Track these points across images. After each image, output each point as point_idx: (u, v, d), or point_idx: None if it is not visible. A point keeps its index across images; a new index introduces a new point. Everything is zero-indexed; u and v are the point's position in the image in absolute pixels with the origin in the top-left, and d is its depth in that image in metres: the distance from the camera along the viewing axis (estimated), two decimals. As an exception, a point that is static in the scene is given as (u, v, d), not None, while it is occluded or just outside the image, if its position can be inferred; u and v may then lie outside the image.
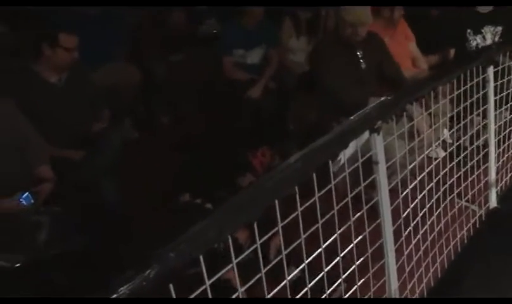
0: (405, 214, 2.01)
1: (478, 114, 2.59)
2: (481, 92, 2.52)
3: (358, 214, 1.67)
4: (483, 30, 3.56)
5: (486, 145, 2.74)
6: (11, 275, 1.81)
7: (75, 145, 2.74)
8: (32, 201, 2.26)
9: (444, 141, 3.12)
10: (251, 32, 3.75)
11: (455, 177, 2.43)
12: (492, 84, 2.56)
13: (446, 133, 3.03)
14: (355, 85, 2.98)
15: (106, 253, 1.97)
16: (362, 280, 1.71)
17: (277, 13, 3.98)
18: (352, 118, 1.55)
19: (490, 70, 2.52)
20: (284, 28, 3.96)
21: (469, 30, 3.58)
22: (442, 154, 2.83)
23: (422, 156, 2.12)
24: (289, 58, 3.94)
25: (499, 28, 3.55)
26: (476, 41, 3.57)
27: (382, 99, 1.74)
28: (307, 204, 1.38)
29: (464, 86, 2.31)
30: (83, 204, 2.30)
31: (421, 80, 2.04)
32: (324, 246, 1.49)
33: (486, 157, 2.72)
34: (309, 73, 3.29)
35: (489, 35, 3.55)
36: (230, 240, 1.06)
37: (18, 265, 1.82)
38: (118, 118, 3.18)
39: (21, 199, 2.24)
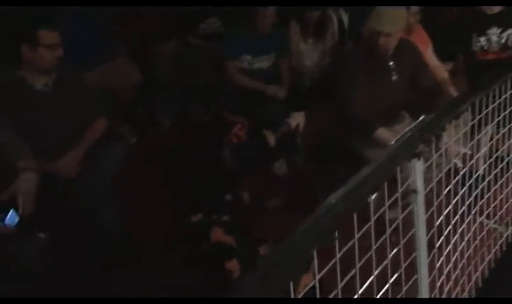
0: (438, 243, 1.81)
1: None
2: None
3: (395, 250, 1.46)
4: (488, 32, 3.33)
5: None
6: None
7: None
8: (18, 219, 1.97)
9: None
10: (261, 38, 3.53)
11: (486, 197, 2.24)
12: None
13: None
14: (383, 99, 2.76)
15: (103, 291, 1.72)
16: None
17: (284, 17, 3.75)
18: (393, 142, 1.34)
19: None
20: (291, 31, 3.74)
21: (473, 33, 3.37)
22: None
23: (457, 178, 1.92)
24: (300, 63, 3.72)
25: (510, 31, 3.30)
26: (480, 43, 3.33)
27: (421, 118, 1.53)
28: (345, 248, 1.17)
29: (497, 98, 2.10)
30: (76, 230, 2.02)
31: (460, 96, 1.82)
32: (360, 292, 1.29)
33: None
34: (325, 82, 3.07)
35: (494, 38, 3.31)
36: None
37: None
38: (115, 125, 2.92)
39: (5, 222, 1.95)
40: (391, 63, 2.92)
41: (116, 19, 3.68)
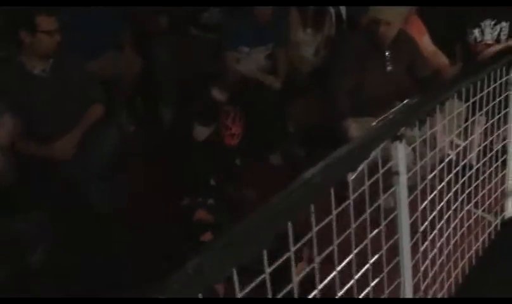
0: (423, 228, 1.85)
1: (499, 119, 2.40)
2: (503, 95, 2.34)
3: (376, 231, 1.50)
4: (482, 24, 3.37)
5: (504, 151, 2.57)
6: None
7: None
8: None
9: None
10: (261, 29, 3.56)
11: (473, 185, 2.27)
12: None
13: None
14: (377, 89, 2.81)
15: (97, 267, 1.78)
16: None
17: (284, 6, 3.78)
18: (373, 124, 1.37)
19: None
20: (291, 20, 3.76)
21: (467, 24, 3.42)
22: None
23: (442, 164, 1.95)
24: (297, 55, 3.75)
25: (504, 24, 3.34)
26: (473, 35, 3.38)
27: (404, 102, 1.56)
28: (323, 223, 1.20)
29: (486, 88, 2.13)
30: (71, 209, 2.08)
31: (445, 82, 1.85)
32: (338, 269, 1.32)
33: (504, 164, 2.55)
34: (319, 71, 3.10)
35: (488, 30, 3.35)
36: (235, 276, 0.89)
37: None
38: (113, 112, 2.97)
39: None
40: (387, 53, 2.97)
41: (123, 10, 3.71)
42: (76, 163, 2.46)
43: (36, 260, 1.90)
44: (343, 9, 3.91)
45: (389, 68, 3.00)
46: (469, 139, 2.16)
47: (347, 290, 1.38)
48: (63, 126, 2.56)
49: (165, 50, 3.88)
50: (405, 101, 1.56)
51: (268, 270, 1.01)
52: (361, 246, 1.42)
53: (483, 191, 2.38)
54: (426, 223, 1.86)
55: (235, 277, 0.88)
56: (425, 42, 3.40)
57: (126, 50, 3.65)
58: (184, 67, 3.66)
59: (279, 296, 1.06)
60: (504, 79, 2.25)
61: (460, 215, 2.20)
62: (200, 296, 0.83)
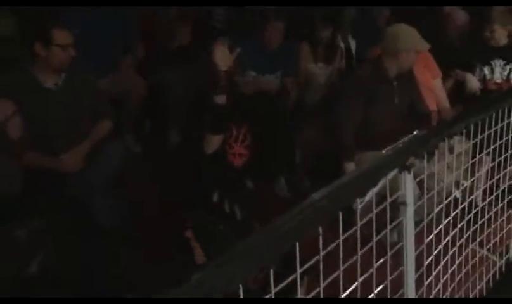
0: (427, 261, 1.83)
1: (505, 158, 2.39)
2: (511, 134, 2.34)
3: (381, 261, 1.48)
4: (492, 63, 3.43)
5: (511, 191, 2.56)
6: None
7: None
8: None
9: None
10: (270, 56, 3.61)
11: (478, 224, 2.25)
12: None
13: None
14: (388, 119, 2.83)
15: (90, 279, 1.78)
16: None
17: (295, 36, 3.84)
18: (383, 152, 1.38)
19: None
20: (302, 52, 3.82)
21: (478, 62, 3.50)
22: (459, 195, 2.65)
23: (448, 199, 1.94)
24: (307, 84, 3.78)
25: None
26: (483, 72, 3.44)
27: (414, 133, 1.57)
28: (329, 248, 1.20)
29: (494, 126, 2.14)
30: (71, 220, 2.08)
31: (457, 116, 1.86)
32: (344, 295, 1.31)
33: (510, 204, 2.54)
34: (327, 103, 3.13)
35: (498, 69, 3.42)
36: (240, 290, 0.88)
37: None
38: (120, 130, 2.99)
39: None
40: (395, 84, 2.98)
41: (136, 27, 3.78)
42: (81, 177, 2.47)
43: (36, 268, 1.89)
44: (352, 43, 3.98)
45: (396, 101, 3.01)
46: (475, 177, 2.16)
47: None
48: (71, 139, 2.58)
49: (174, 75, 3.93)
50: (414, 133, 1.57)
51: (273, 290, 1.00)
52: (365, 275, 1.41)
53: (488, 230, 2.36)
54: (431, 257, 1.85)
55: (240, 292, 0.87)
56: (436, 85, 3.42)
57: (128, 73, 3.69)
58: (193, 91, 3.70)
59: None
60: (512, 118, 2.26)
61: (465, 253, 2.18)
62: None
